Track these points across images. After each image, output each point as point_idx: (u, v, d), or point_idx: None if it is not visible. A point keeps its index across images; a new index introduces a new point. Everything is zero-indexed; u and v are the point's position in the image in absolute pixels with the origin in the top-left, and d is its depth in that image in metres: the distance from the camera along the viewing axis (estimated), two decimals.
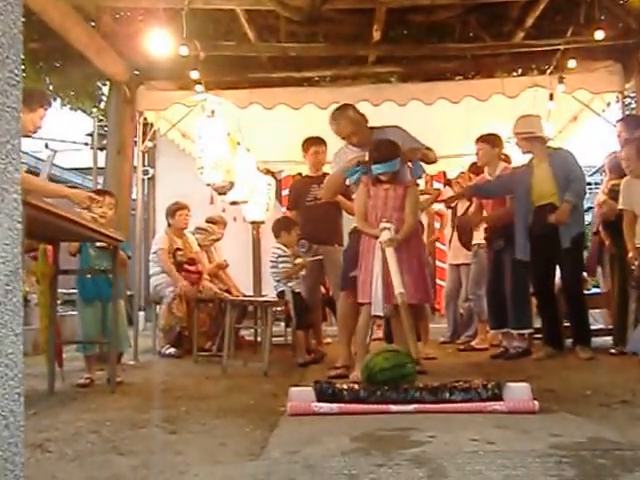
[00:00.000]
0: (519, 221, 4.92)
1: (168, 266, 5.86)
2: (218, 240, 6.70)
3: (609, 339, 5.39)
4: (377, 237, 3.93)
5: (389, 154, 4.06)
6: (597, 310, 6.17)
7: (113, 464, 2.13)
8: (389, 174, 4.08)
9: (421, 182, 5.72)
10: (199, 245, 6.27)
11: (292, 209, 5.89)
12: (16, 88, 1.29)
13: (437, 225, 7.32)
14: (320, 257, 5.38)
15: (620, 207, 4.65)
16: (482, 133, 5.32)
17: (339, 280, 4.73)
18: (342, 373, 4.11)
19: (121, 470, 2.05)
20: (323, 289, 6.04)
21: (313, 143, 5.65)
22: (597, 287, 5.98)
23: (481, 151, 5.20)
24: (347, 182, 4.41)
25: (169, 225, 6.17)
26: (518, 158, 5.60)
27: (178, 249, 5.99)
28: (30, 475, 1.88)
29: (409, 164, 4.30)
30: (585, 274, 5.72)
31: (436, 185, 8.73)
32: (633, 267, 4.56)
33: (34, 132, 4.00)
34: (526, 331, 5.08)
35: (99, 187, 8.39)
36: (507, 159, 5.43)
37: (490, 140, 5.19)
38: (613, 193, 4.93)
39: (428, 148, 4.39)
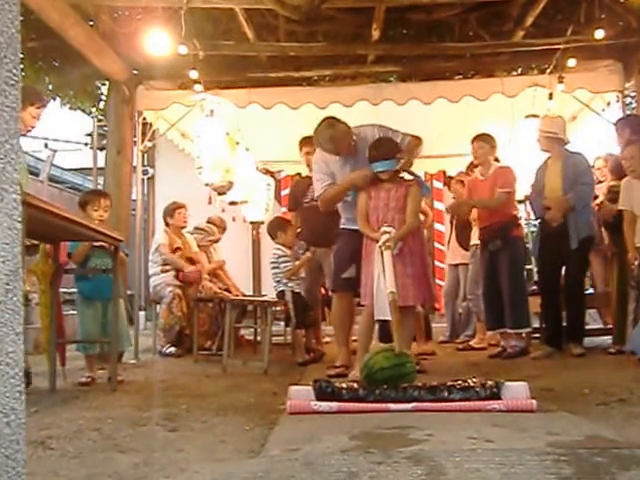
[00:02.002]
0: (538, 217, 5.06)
1: (171, 257, 5.89)
2: (217, 241, 6.70)
3: (607, 338, 5.41)
4: (377, 240, 3.93)
5: (388, 153, 4.06)
6: (594, 310, 6.18)
7: (114, 461, 2.14)
8: (389, 173, 4.07)
9: None
10: (197, 245, 6.27)
11: (292, 210, 5.89)
12: (14, 88, 1.29)
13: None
14: (312, 252, 5.40)
15: (620, 207, 4.67)
16: (479, 132, 5.30)
17: None
18: (341, 372, 4.12)
19: (122, 467, 2.06)
20: (322, 289, 6.05)
21: (306, 143, 5.55)
22: (594, 287, 5.99)
23: (481, 150, 5.15)
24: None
25: (167, 225, 6.18)
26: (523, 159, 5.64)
27: (178, 248, 5.99)
28: (32, 472, 1.90)
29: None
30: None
31: (436, 184, 8.75)
32: (633, 267, 4.58)
33: (27, 131, 4.00)
34: (524, 330, 5.08)
35: (99, 187, 8.40)
36: (497, 159, 5.45)
37: (489, 140, 5.18)
38: (611, 194, 4.98)
39: (414, 136, 4.36)
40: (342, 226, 4.57)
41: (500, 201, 5.00)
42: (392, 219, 4.02)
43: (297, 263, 5.24)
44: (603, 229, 5.28)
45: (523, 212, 6.99)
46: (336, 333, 4.69)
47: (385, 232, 3.89)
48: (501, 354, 5.04)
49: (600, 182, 5.73)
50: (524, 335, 5.12)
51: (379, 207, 4.08)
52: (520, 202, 5.85)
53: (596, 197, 5.50)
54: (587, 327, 5.49)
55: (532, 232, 8.30)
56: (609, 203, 4.99)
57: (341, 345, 4.52)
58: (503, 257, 4.98)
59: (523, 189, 5.47)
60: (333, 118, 4.44)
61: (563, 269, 4.97)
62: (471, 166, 6.04)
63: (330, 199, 4.40)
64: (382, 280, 3.78)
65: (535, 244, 4.99)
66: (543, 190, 4.96)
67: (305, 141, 5.48)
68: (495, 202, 5.03)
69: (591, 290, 5.89)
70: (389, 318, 3.79)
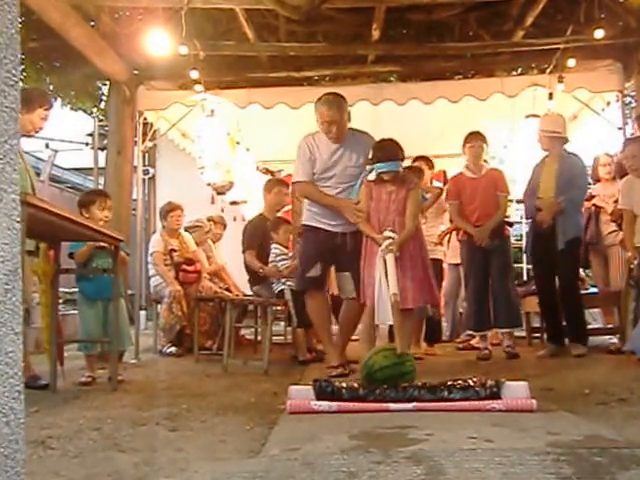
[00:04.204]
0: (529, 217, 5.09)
1: (162, 269, 5.86)
2: (216, 237, 6.70)
3: (607, 338, 5.40)
4: (379, 243, 3.92)
5: (392, 154, 4.09)
6: (596, 309, 6.18)
7: (114, 461, 2.14)
8: (392, 174, 4.07)
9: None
10: (196, 243, 6.26)
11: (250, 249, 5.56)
12: (14, 88, 1.29)
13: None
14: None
15: (620, 206, 4.66)
16: (475, 129, 5.30)
17: None
18: (342, 372, 4.10)
19: (122, 467, 2.06)
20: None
21: (277, 183, 5.58)
22: (595, 287, 5.98)
23: (480, 149, 5.14)
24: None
25: (163, 227, 6.18)
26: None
27: (173, 250, 5.98)
28: (32, 471, 1.90)
29: None
30: (583, 273, 5.75)
31: (436, 184, 8.73)
32: (632, 266, 4.57)
33: (35, 133, 4.02)
34: (518, 329, 5.14)
35: (100, 187, 8.41)
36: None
37: (485, 139, 5.19)
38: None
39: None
40: (305, 222, 4.47)
41: (506, 207, 5.15)
42: (393, 222, 4.03)
43: (295, 262, 5.23)
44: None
45: (522, 212, 6.99)
46: (319, 333, 4.63)
47: (388, 237, 3.90)
48: (487, 357, 4.94)
49: (598, 181, 5.73)
50: (524, 334, 5.14)
51: (380, 209, 4.09)
52: (519, 202, 5.86)
53: (592, 197, 5.51)
54: (588, 327, 5.48)
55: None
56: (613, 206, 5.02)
57: (327, 344, 4.47)
58: (497, 256, 4.97)
59: (523, 189, 5.47)
60: (342, 99, 4.40)
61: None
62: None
63: (308, 197, 4.42)
64: (384, 284, 3.78)
65: (528, 243, 4.99)
66: (537, 189, 4.96)
67: (273, 182, 5.48)
68: (504, 211, 5.14)
69: (593, 290, 5.89)
70: (391, 322, 3.79)
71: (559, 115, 5.32)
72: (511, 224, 5.46)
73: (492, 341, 5.75)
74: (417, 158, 5.75)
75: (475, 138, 5.15)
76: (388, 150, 4.11)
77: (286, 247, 5.32)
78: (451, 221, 6.09)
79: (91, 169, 12.54)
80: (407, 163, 5.54)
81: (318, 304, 4.45)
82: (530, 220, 5.20)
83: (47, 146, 12.93)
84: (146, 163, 8.66)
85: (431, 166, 5.81)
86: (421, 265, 4.08)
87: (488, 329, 5.11)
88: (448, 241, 6.43)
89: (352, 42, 6.71)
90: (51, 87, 7.18)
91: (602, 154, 5.78)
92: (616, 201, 5.14)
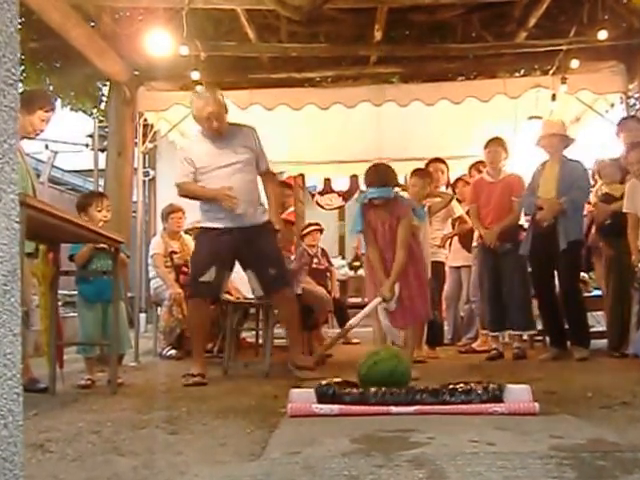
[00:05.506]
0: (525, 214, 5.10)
1: (162, 271, 5.85)
2: None
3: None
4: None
5: (384, 180, 4.02)
6: (599, 312, 6.16)
7: (114, 464, 2.13)
8: (382, 200, 4.02)
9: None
10: None
11: None
12: (13, 87, 1.28)
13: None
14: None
15: (624, 210, 4.65)
16: (482, 133, 5.34)
17: None
18: (199, 381, 3.97)
19: (121, 470, 2.05)
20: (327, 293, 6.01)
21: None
22: (598, 289, 5.96)
23: (496, 154, 5.23)
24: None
25: (164, 228, 6.17)
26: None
27: (173, 252, 5.98)
28: (31, 475, 1.89)
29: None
30: (586, 276, 5.73)
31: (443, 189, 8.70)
32: (637, 269, 4.55)
33: (35, 134, 4.00)
34: (530, 332, 5.21)
35: (100, 189, 8.40)
36: None
37: (504, 145, 5.25)
38: (605, 197, 5.04)
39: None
40: (201, 224, 4.36)
41: (521, 211, 5.18)
42: (392, 251, 4.05)
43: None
44: (595, 232, 5.26)
45: None
46: (193, 343, 4.43)
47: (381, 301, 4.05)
48: (496, 357, 5.04)
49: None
50: (525, 338, 5.15)
51: (378, 239, 4.13)
52: None
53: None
54: (591, 330, 5.46)
55: None
56: (603, 204, 5.01)
57: (198, 356, 4.29)
58: (511, 260, 5.01)
59: None
60: (218, 92, 4.30)
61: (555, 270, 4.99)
62: (473, 168, 6.03)
63: (191, 196, 4.38)
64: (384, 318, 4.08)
65: (526, 243, 4.96)
66: (537, 190, 4.96)
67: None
68: (517, 215, 5.19)
69: (597, 292, 5.87)
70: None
71: (556, 120, 5.34)
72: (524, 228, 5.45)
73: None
74: (432, 160, 5.75)
75: (493, 143, 5.25)
76: (380, 176, 4.04)
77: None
78: (453, 225, 6.09)
79: (91, 171, 12.54)
80: (421, 165, 5.57)
81: (202, 314, 4.27)
82: (529, 219, 5.19)
83: (47, 147, 12.91)
84: (146, 165, 8.64)
85: (448, 169, 5.83)
86: (418, 282, 4.15)
87: (503, 329, 5.15)
88: (450, 244, 6.42)
89: (354, 43, 6.70)
90: (51, 88, 7.17)
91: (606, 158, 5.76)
92: (598, 202, 5.18)
